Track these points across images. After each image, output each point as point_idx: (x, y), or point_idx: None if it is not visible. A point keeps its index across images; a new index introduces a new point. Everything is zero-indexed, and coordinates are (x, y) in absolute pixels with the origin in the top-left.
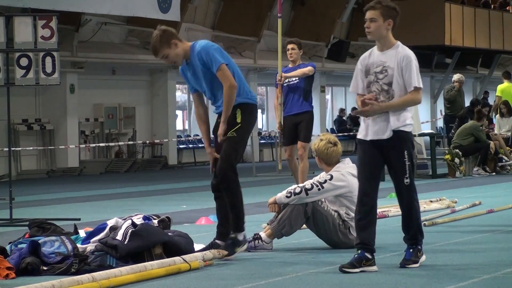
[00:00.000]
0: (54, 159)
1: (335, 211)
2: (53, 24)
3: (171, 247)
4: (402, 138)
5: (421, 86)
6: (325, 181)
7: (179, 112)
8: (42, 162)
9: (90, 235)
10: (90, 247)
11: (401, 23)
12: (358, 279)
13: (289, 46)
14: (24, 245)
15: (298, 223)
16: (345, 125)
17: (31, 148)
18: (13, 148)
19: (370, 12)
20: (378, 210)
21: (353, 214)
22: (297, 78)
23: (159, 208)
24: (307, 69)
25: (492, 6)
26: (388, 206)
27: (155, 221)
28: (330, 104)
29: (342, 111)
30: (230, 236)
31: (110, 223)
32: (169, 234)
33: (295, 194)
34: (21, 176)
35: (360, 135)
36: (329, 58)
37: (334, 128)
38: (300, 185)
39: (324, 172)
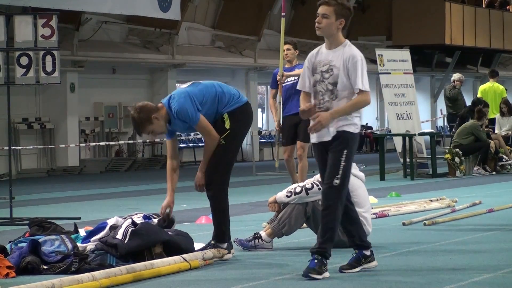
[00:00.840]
0: (54, 158)
1: None
2: (53, 23)
3: (171, 246)
4: (345, 138)
5: (367, 88)
6: None
7: None
8: (42, 161)
9: (90, 234)
10: (90, 246)
11: (401, 22)
12: (358, 278)
13: (285, 47)
14: (24, 244)
15: (298, 222)
16: None
17: (31, 147)
18: (13, 147)
19: (324, 7)
20: (378, 210)
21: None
22: (296, 78)
23: (159, 207)
24: None
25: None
26: (388, 206)
27: (155, 220)
28: None
29: None
30: (210, 242)
31: (110, 222)
32: (169, 233)
33: (296, 193)
34: (21, 175)
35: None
36: None
37: None
38: (301, 184)
39: None
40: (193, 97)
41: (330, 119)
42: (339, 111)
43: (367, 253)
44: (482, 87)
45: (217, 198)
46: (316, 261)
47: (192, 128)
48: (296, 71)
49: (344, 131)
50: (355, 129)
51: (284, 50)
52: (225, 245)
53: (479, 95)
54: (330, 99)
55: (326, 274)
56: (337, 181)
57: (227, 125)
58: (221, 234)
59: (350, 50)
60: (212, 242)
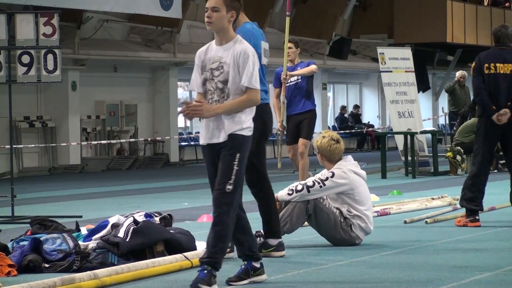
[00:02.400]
0: (56, 157)
1: (337, 208)
2: (55, 21)
3: (172, 244)
4: (237, 141)
5: (255, 86)
6: (327, 178)
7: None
8: (43, 159)
9: (91, 233)
10: (92, 244)
11: (403, 21)
12: (359, 276)
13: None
14: (25, 243)
15: (299, 220)
16: (347, 122)
17: (33, 145)
18: (14, 146)
19: (213, 0)
20: (380, 208)
21: (355, 212)
22: (299, 78)
23: (161, 205)
24: (314, 67)
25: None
26: (390, 204)
27: (157, 219)
28: (331, 102)
29: (343, 108)
30: (260, 239)
31: (112, 220)
32: (171, 231)
33: (297, 191)
34: (22, 173)
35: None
36: (331, 55)
37: (336, 125)
38: (302, 182)
39: (325, 170)
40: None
41: (211, 112)
42: (222, 107)
43: (257, 265)
44: None
45: (266, 195)
46: (205, 271)
47: None
48: (300, 71)
49: (236, 134)
50: (248, 132)
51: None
52: (276, 241)
53: None
54: (221, 98)
55: (215, 287)
56: (229, 187)
57: None
58: (273, 231)
59: (241, 45)
60: (262, 239)
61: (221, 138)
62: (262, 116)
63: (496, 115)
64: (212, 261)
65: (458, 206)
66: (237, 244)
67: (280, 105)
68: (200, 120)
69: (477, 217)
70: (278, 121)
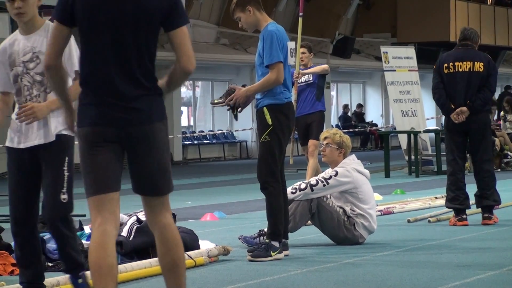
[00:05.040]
0: None
1: (340, 207)
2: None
3: None
4: (64, 144)
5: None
6: (330, 177)
7: (184, 108)
8: None
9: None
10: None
11: (406, 20)
12: (363, 275)
13: (300, 50)
14: None
15: (303, 219)
16: (350, 121)
17: None
18: None
19: None
20: (383, 207)
21: (358, 211)
22: (310, 78)
23: None
24: (326, 66)
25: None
26: (393, 203)
27: None
28: (335, 101)
29: (346, 107)
30: (264, 241)
31: None
32: None
33: (300, 190)
34: None
35: (9, 142)
36: (334, 54)
37: (339, 124)
38: (305, 181)
39: (329, 168)
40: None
41: (45, 110)
42: (56, 102)
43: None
44: None
45: (272, 196)
46: (81, 281)
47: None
48: (312, 69)
49: (62, 134)
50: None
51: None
52: (278, 243)
53: None
54: (42, 92)
55: None
56: (64, 197)
57: (269, 121)
58: (278, 232)
59: None
60: (267, 240)
61: (46, 139)
62: (289, 115)
63: (454, 114)
64: (78, 265)
65: None
66: (26, 267)
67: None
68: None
69: (464, 216)
70: None
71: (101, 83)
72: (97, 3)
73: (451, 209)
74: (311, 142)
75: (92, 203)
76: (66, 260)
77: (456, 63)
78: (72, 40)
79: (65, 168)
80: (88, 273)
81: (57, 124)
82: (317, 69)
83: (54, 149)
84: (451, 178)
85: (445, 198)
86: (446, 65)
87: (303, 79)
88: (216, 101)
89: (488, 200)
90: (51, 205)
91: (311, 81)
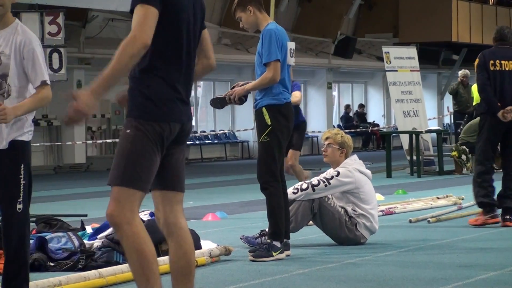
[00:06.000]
0: (61, 155)
1: (342, 207)
2: (60, 20)
3: None
4: (19, 150)
5: (49, 82)
6: (332, 177)
7: None
8: (49, 158)
9: (97, 231)
10: (97, 243)
11: (408, 20)
12: (364, 275)
13: None
14: (31, 241)
15: (305, 219)
16: (352, 121)
17: (38, 144)
18: None
19: None
20: (385, 207)
21: (360, 211)
22: None
23: None
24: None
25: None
26: (395, 203)
27: None
28: (337, 101)
29: (348, 107)
30: (266, 241)
31: None
32: None
33: (302, 190)
34: None
35: None
36: (336, 54)
37: (341, 124)
38: (307, 181)
39: (331, 169)
40: (280, 47)
41: (12, 115)
42: (23, 107)
43: None
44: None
45: (271, 196)
46: None
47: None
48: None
49: (18, 140)
50: (29, 136)
51: None
52: (279, 243)
53: (477, 94)
54: (0, 96)
55: None
56: (20, 206)
57: (268, 121)
58: (279, 232)
59: (24, 34)
60: (268, 240)
61: (1, 146)
62: (288, 116)
63: (502, 112)
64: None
65: (463, 205)
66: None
67: None
68: None
69: (496, 213)
70: None
71: (189, 79)
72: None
73: (482, 206)
74: (292, 152)
75: (137, 197)
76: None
77: (503, 62)
78: (39, 45)
79: (21, 176)
80: None
81: (9, 131)
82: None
83: (8, 157)
84: (483, 177)
85: (448, 198)
86: (492, 62)
87: None
88: (213, 98)
89: None
90: (8, 216)
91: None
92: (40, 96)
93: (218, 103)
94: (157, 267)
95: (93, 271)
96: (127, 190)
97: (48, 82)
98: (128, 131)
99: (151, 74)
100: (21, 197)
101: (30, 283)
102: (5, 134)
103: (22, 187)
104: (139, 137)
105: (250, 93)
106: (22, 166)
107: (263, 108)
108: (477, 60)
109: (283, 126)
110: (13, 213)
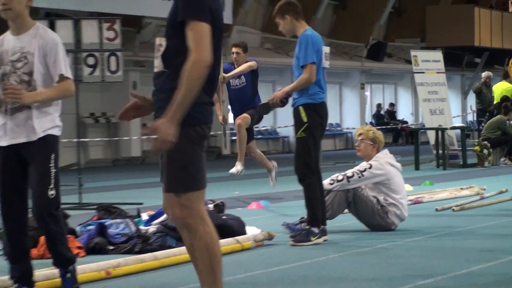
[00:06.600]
0: (119, 149)
1: (374, 197)
2: (117, 26)
3: (225, 229)
4: (50, 143)
5: (70, 76)
6: (365, 169)
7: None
8: (108, 151)
9: (151, 218)
10: (152, 228)
11: (434, 26)
12: (395, 258)
13: (234, 50)
14: (92, 227)
15: (340, 208)
16: (383, 119)
17: (98, 139)
18: (81, 139)
19: None
20: (414, 197)
21: (391, 200)
22: (243, 81)
23: (214, 194)
24: (251, 63)
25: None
26: (422, 193)
27: (211, 206)
28: (369, 100)
29: (379, 106)
30: (305, 227)
31: None
32: (223, 217)
33: (338, 181)
34: (89, 164)
35: None
36: (368, 57)
37: (373, 121)
38: (342, 173)
39: (364, 162)
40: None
41: (31, 99)
42: (42, 95)
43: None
44: (499, 86)
45: (309, 188)
46: (68, 276)
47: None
48: (238, 69)
49: (49, 134)
50: (59, 131)
51: (233, 53)
52: (317, 229)
53: (497, 94)
54: (28, 92)
55: None
56: (51, 192)
57: (304, 119)
58: (316, 219)
59: (47, 33)
60: (307, 226)
61: (29, 137)
62: (322, 114)
63: None
64: (66, 259)
65: (485, 195)
66: (15, 262)
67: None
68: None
69: None
70: (219, 115)
71: (215, 84)
72: (219, 13)
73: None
74: (240, 116)
75: (200, 196)
76: (54, 255)
77: None
78: (60, 43)
79: (52, 165)
80: (78, 267)
81: (42, 125)
82: (243, 67)
83: (40, 147)
84: None
85: (471, 189)
86: None
87: (237, 82)
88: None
89: None
90: (40, 201)
91: (244, 83)
92: (59, 87)
93: (263, 109)
94: (221, 265)
95: (149, 254)
96: (191, 194)
97: (68, 76)
98: (177, 139)
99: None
100: (52, 184)
101: (92, 264)
102: (37, 128)
103: (52, 175)
104: (189, 142)
105: (290, 96)
106: (53, 155)
107: (300, 107)
108: (510, 64)
109: (317, 123)
110: (46, 199)
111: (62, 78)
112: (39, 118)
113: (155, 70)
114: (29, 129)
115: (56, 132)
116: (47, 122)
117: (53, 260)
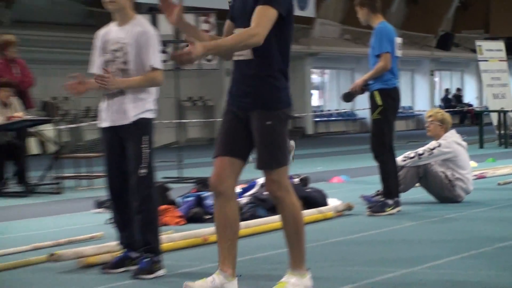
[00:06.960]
0: (214, 129)
1: (443, 172)
2: (212, 19)
3: (309, 200)
4: (142, 125)
5: (160, 67)
6: (434, 148)
7: (314, 91)
8: (204, 131)
9: (244, 191)
10: (244, 200)
11: (497, 18)
12: (461, 227)
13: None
14: (191, 198)
15: (412, 182)
16: (451, 102)
17: (195, 120)
18: (180, 120)
19: None
20: (478, 172)
21: (457, 175)
22: None
23: (299, 169)
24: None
25: None
26: (486, 169)
27: (296, 180)
28: (438, 85)
29: (447, 91)
30: (381, 199)
31: (260, 181)
32: (307, 190)
33: (410, 158)
34: (188, 142)
35: (99, 121)
36: (437, 47)
37: (442, 104)
38: (414, 151)
39: (434, 141)
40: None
41: (116, 85)
42: (127, 82)
43: (132, 255)
44: None
45: (384, 163)
46: (147, 259)
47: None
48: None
49: (141, 117)
50: (151, 114)
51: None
52: (391, 201)
53: None
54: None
55: (160, 272)
56: (143, 171)
57: (379, 102)
58: (390, 192)
59: (142, 26)
60: (382, 198)
61: (126, 120)
62: (395, 98)
63: None
64: (149, 247)
65: None
66: (122, 230)
67: None
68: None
69: None
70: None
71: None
72: (293, 7)
73: None
74: None
75: (287, 170)
76: (141, 240)
77: None
78: (155, 36)
79: (144, 145)
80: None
81: (135, 109)
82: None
83: (133, 130)
84: None
85: None
86: None
87: None
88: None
89: None
90: (132, 180)
91: None
92: (147, 77)
93: (347, 97)
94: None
95: (242, 222)
96: (281, 169)
97: (157, 67)
98: (271, 121)
99: (280, 73)
100: (143, 163)
101: (193, 231)
102: (130, 112)
103: (145, 155)
104: (281, 123)
105: (369, 83)
106: (145, 137)
107: (375, 91)
108: None
109: (391, 106)
110: (137, 177)
111: (152, 68)
112: (132, 103)
113: (241, 58)
114: (123, 113)
115: (149, 115)
116: (140, 107)
117: (138, 243)
